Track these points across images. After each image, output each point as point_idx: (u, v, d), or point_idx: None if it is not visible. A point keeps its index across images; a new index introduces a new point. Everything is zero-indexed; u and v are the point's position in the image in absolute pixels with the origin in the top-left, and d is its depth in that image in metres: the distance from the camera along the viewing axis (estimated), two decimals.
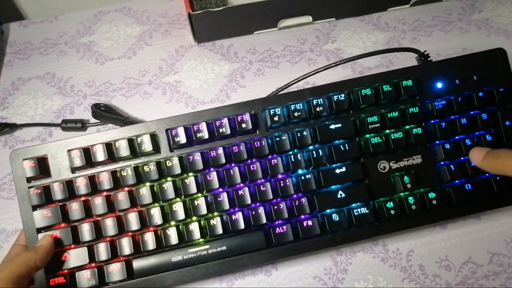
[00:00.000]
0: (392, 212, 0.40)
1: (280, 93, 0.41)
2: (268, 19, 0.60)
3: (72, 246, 0.39)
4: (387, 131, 0.41)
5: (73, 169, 0.39)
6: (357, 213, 0.40)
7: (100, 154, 0.39)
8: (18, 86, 0.58)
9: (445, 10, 0.63)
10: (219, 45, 0.61)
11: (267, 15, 0.59)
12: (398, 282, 0.43)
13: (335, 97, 0.41)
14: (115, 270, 0.38)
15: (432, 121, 0.42)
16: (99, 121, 0.54)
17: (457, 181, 0.41)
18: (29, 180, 0.39)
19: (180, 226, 0.39)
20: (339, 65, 0.58)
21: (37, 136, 0.53)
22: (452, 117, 0.42)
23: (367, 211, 0.40)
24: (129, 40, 0.62)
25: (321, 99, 0.41)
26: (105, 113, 0.52)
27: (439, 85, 0.42)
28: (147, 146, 0.39)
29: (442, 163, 0.41)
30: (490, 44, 0.59)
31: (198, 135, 0.39)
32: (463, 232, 0.46)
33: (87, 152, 0.39)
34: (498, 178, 0.41)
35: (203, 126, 0.39)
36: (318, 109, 0.41)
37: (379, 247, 0.45)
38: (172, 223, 0.39)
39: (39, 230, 0.39)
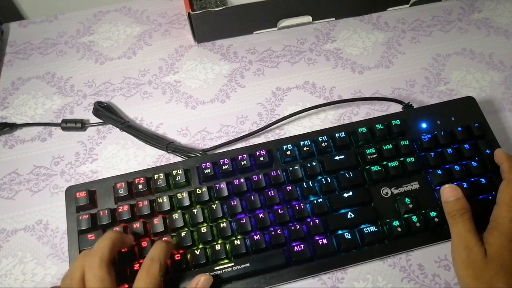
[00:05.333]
0: (399, 229, 0.43)
1: (290, 135, 0.48)
2: (268, 19, 0.60)
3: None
4: (385, 161, 0.46)
5: (117, 199, 0.45)
6: (366, 232, 0.43)
7: (140, 186, 0.44)
8: (18, 85, 0.58)
9: (445, 10, 0.64)
10: (218, 45, 0.61)
11: (267, 15, 0.59)
12: (398, 282, 0.43)
13: (337, 135, 0.47)
14: None
15: (423, 153, 0.47)
16: (99, 121, 0.54)
17: None
18: (78, 209, 0.44)
19: (208, 248, 0.42)
20: (339, 65, 0.58)
21: (37, 136, 0.53)
22: (439, 149, 0.47)
23: (376, 229, 0.43)
24: (129, 40, 0.62)
25: (325, 137, 0.47)
26: (106, 113, 0.53)
27: (424, 125, 0.49)
28: (181, 178, 0.45)
29: (438, 187, 0.44)
30: (489, 44, 0.59)
31: (224, 167, 0.45)
32: None
33: (130, 184, 0.45)
34: (490, 198, 0.44)
35: (228, 161, 0.45)
36: (323, 144, 0.47)
37: None
38: (200, 245, 0.42)
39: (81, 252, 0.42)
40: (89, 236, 0.42)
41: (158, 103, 0.56)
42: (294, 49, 0.60)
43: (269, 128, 0.52)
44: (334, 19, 0.63)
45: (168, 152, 0.51)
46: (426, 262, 0.44)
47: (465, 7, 0.64)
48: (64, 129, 0.53)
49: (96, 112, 0.53)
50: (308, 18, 0.62)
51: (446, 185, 0.42)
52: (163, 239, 0.42)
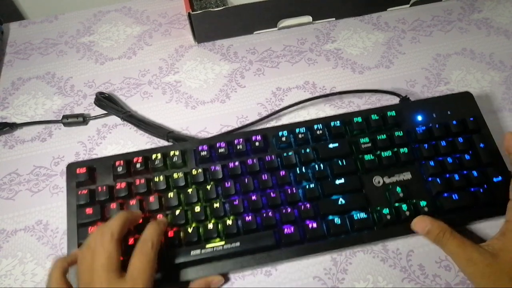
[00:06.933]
0: (389, 217, 0.43)
1: (287, 122, 0.49)
2: (268, 19, 0.60)
3: None
4: (378, 151, 0.47)
5: (115, 177, 0.46)
6: (356, 218, 0.43)
7: (138, 165, 0.46)
8: (18, 86, 0.58)
9: (445, 10, 0.63)
10: (219, 45, 0.61)
11: (267, 15, 0.59)
12: (398, 282, 0.43)
13: (332, 123, 0.48)
14: None
15: (417, 145, 0.47)
16: (100, 114, 0.54)
17: (445, 194, 0.44)
18: (78, 185, 0.45)
19: (200, 226, 0.43)
20: (339, 65, 0.58)
21: (37, 136, 0.53)
22: (433, 142, 0.47)
23: (365, 216, 0.43)
24: (129, 40, 0.62)
25: (320, 125, 0.48)
26: (108, 103, 0.53)
27: (419, 117, 0.49)
28: (178, 159, 0.46)
29: (430, 178, 0.45)
30: (490, 44, 0.59)
31: (220, 151, 0.46)
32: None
33: (128, 163, 0.46)
34: (481, 190, 0.44)
35: (224, 144, 0.46)
36: (318, 132, 0.47)
37: (379, 247, 0.45)
38: (194, 224, 0.43)
39: (79, 225, 0.43)
40: (87, 210, 0.43)
41: (158, 103, 0.56)
42: (294, 49, 0.60)
43: (265, 120, 0.52)
44: (334, 19, 0.63)
45: (168, 141, 0.51)
46: (426, 263, 0.44)
47: (465, 7, 0.64)
48: (65, 124, 0.53)
49: (98, 103, 0.54)
50: (308, 18, 0.62)
51: (414, 220, 0.43)
52: (158, 216, 0.44)
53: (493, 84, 0.56)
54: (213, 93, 0.56)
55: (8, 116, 0.55)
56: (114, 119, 0.54)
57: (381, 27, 0.62)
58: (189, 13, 0.55)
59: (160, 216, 0.44)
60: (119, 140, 0.53)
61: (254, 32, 0.62)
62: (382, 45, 0.60)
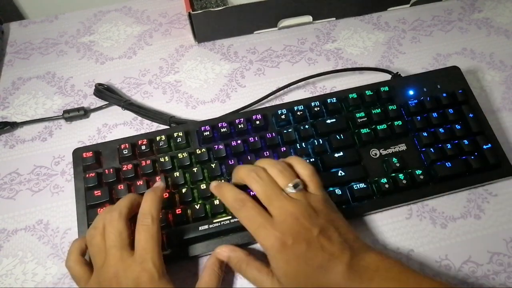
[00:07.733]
0: (387, 186, 0.45)
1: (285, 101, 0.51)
2: (268, 18, 0.60)
3: None
4: (374, 124, 0.49)
5: (121, 160, 0.47)
6: (356, 188, 0.45)
7: (143, 147, 0.47)
8: (19, 85, 0.58)
9: (445, 9, 0.64)
10: (219, 44, 0.61)
11: (267, 15, 0.59)
12: None
13: (329, 100, 0.50)
14: None
15: (410, 117, 0.49)
16: (100, 104, 0.54)
17: (439, 162, 0.47)
18: (85, 168, 0.46)
19: (207, 203, 0.44)
20: (340, 65, 0.58)
21: (38, 135, 0.53)
22: (425, 114, 0.49)
23: (365, 186, 0.45)
24: (129, 39, 0.62)
25: (317, 102, 0.49)
26: (108, 92, 0.54)
27: (411, 92, 0.51)
28: (182, 140, 0.47)
29: (424, 149, 0.47)
30: (490, 44, 0.60)
31: (222, 130, 0.47)
32: (463, 232, 0.46)
33: (133, 146, 0.47)
34: (472, 157, 0.47)
35: (226, 124, 0.48)
36: (316, 109, 0.49)
37: (379, 246, 0.45)
38: (200, 201, 0.45)
39: (89, 207, 0.44)
40: (96, 192, 0.44)
41: (158, 103, 0.56)
42: (294, 49, 0.60)
43: (264, 101, 0.52)
44: (334, 19, 0.63)
45: (171, 126, 0.52)
46: (426, 262, 0.44)
47: (466, 7, 0.64)
48: (67, 119, 0.54)
49: (98, 93, 0.54)
50: (309, 18, 0.62)
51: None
52: (154, 185, 0.43)
53: (493, 84, 0.56)
54: (214, 93, 0.56)
55: (8, 116, 0.55)
56: (114, 119, 0.54)
57: (382, 27, 0.62)
58: (189, 12, 0.55)
59: (158, 179, 0.45)
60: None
61: (254, 32, 0.62)
62: (383, 45, 0.60)
